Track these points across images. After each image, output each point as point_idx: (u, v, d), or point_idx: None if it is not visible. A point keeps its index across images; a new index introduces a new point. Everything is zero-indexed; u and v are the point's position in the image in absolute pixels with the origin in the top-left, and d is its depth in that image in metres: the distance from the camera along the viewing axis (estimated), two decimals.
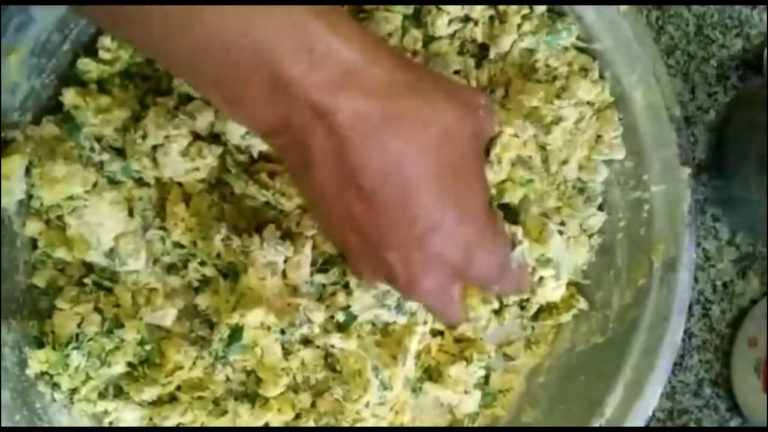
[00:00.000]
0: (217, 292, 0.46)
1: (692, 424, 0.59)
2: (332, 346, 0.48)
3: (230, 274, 0.45)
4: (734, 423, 0.60)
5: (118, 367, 0.45)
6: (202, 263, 0.46)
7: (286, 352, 0.47)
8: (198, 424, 0.47)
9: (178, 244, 0.46)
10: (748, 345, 0.58)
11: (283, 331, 0.45)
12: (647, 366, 0.50)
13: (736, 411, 0.60)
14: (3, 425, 0.41)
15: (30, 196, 0.44)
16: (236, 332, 0.44)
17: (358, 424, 0.47)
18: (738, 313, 0.60)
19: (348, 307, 0.46)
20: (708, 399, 0.60)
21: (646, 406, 0.49)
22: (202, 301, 0.47)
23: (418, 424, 0.51)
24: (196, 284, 0.47)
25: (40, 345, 0.44)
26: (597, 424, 0.50)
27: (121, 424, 0.45)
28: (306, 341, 0.47)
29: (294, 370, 0.47)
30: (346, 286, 0.46)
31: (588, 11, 0.49)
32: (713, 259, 0.60)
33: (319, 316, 0.45)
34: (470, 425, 0.53)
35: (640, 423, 0.49)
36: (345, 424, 0.47)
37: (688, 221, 0.50)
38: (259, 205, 0.46)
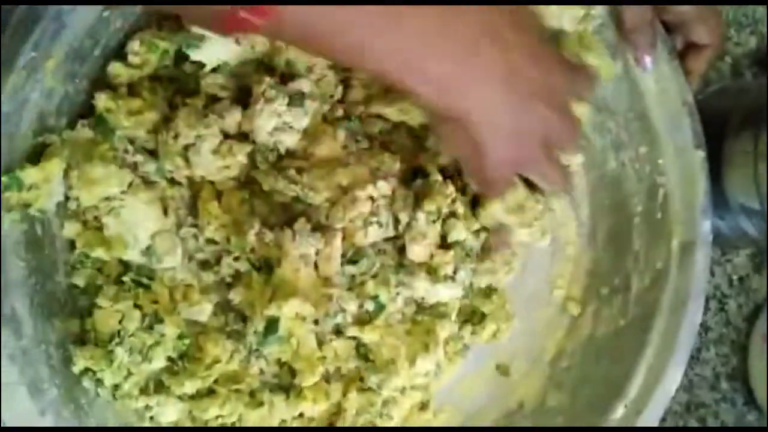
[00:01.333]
0: (250, 286, 0.47)
1: (709, 418, 0.60)
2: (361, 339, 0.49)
3: (264, 268, 0.46)
4: (751, 417, 0.61)
5: (159, 362, 0.46)
6: (236, 258, 0.47)
7: (320, 343, 0.48)
8: (235, 416, 0.48)
9: (211, 241, 0.47)
10: (764, 339, 0.59)
11: (316, 322, 0.47)
12: (668, 347, 0.50)
13: (753, 404, 0.61)
14: (51, 424, 0.43)
15: (67, 199, 0.45)
16: (272, 324, 0.45)
17: (391, 405, 0.48)
18: (754, 307, 0.61)
19: (377, 296, 0.48)
20: (725, 393, 0.60)
21: (668, 388, 0.50)
22: (236, 295, 0.48)
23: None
24: (228, 280, 0.48)
25: (83, 342, 0.45)
26: (621, 405, 0.51)
27: (162, 419, 0.47)
28: (338, 332, 0.48)
29: (328, 361, 0.48)
30: (375, 276, 0.48)
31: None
32: (729, 253, 0.60)
33: (352, 305, 0.47)
34: None
35: (663, 404, 0.50)
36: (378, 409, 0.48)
37: (704, 204, 0.51)
38: (289, 200, 0.48)
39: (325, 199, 0.47)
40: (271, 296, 0.45)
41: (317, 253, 0.46)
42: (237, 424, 0.48)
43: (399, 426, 0.51)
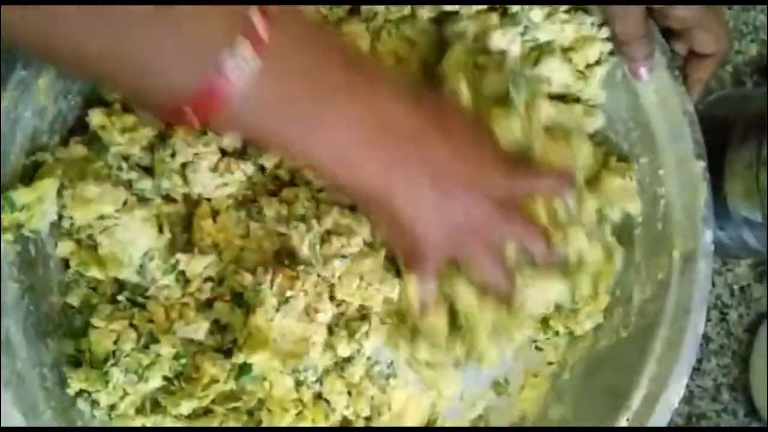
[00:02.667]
0: (234, 311, 0.46)
1: None
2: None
3: (243, 307, 0.46)
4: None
5: (155, 382, 0.45)
6: (220, 283, 0.47)
7: (299, 383, 0.47)
8: None
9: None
10: (766, 350, 0.59)
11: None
12: (671, 359, 0.50)
13: (755, 416, 0.60)
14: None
15: (60, 217, 0.45)
16: (246, 365, 0.44)
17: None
18: (756, 317, 0.60)
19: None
20: (726, 404, 0.60)
21: (672, 399, 0.50)
22: (220, 315, 0.47)
23: None
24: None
25: (78, 364, 0.44)
26: (624, 418, 0.50)
27: None
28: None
29: (305, 402, 0.48)
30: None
31: (598, 13, 0.49)
32: (730, 263, 0.60)
33: (325, 359, 0.46)
34: None
35: (666, 415, 0.49)
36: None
37: (705, 214, 0.51)
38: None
39: (324, 231, 0.46)
40: (244, 341, 0.44)
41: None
42: None
43: (398, 426, 0.50)
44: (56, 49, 0.31)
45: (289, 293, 0.44)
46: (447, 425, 0.53)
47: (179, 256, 0.45)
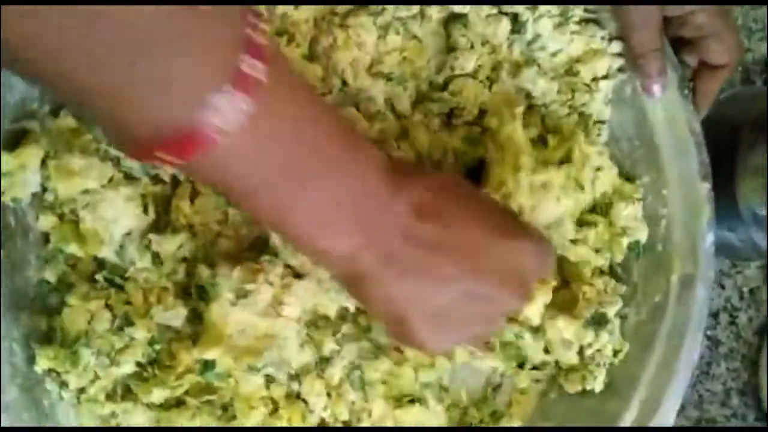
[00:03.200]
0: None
1: None
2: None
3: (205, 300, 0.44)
4: None
5: (127, 367, 0.43)
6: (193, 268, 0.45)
7: (270, 380, 0.46)
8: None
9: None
10: None
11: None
12: (664, 383, 0.49)
13: (765, 420, 0.59)
14: (8, 425, 0.40)
15: (44, 190, 0.43)
16: (209, 361, 0.43)
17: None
18: (766, 320, 0.59)
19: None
20: (736, 408, 0.59)
21: (663, 423, 0.48)
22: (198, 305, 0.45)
23: None
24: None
25: (49, 341, 0.43)
26: None
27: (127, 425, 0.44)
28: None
29: (276, 399, 0.46)
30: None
31: (610, 24, 0.49)
32: (740, 265, 0.59)
33: (302, 357, 0.45)
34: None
35: None
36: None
37: (707, 238, 0.49)
38: None
39: None
40: (201, 336, 0.42)
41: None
42: None
43: (398, 426, 0.49)
44: (30, 56, 0.26)
45: (249, 287, 0.42)
46: None
47: (151, 235, 0.44)
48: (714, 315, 0.50)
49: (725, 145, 0.51)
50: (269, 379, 0.45)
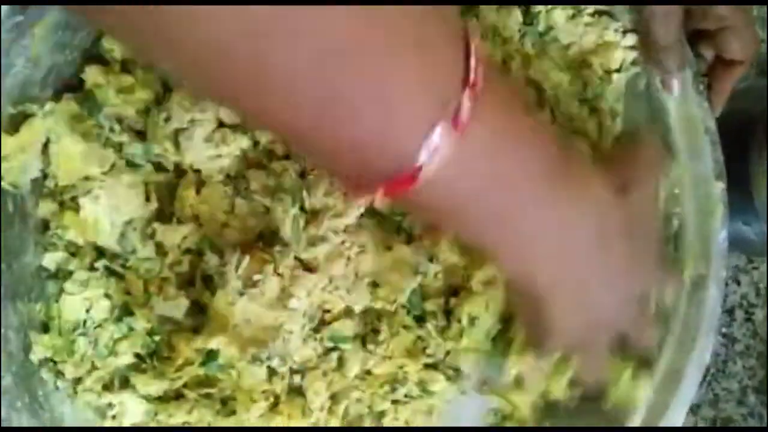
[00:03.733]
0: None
1: None
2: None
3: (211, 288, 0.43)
4: None
5: (126, 358, 0.43)
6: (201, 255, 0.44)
7: (272, 373, 0.45)
8: (204, 424, 0.45)
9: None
10: None
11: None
12: (673, 386, 0.48)
13: None
14: (2, 409, 0.40)
15: (44, 176, 0.43)
16: (212, 351, 0.42)
17: None
18: None
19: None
20: (752, 407, 0.58)
21: (671, 425, 0.47)
22: (199, 296, 0.45)
23: None
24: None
25: (46, 329, 0.42)
26: None
27: (125, 419, 0.43)
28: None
29: (278, 394, 0.45)
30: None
31: (624, 16, 0.48)
32: (756, 261, 0.58)
33: (305, 351, 0.44)
34: None
35: None
36: None
37: (720, 238, 0.48)
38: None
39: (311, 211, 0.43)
40: (205, 324, 0.42)
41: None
42: None
43: (400, 426, 0.48)
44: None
45: (257, 277, 0.41)
46: None
47: (156, 225, 0.43)
48: (729, 312, 0.49)
49: (739, 139, 0.50)
50: (271, 372, 0.44)
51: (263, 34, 0.24)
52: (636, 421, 0.48)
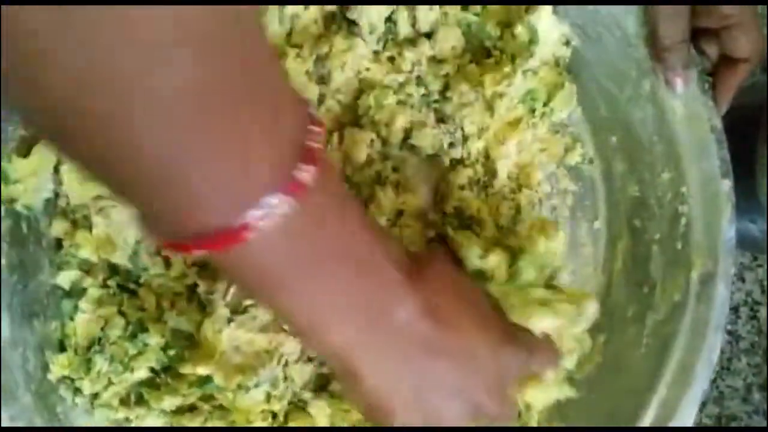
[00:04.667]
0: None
1: None
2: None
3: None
4: None
5: (141, 373, 0.43)
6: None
7: (269, 396, 0.44)
8: None
9: None
10: None
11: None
12: (683, 383, 0.48)
13: None
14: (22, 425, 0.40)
15: (56, 195, 0.43)
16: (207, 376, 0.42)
17: None
18: None
19: None
20: (757, 404, 0.58)
21: (682, 424, 0.47)
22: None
23: None
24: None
25: (62, 348, 0.43)
26: None
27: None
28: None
29: (277, 413, 0.45)
30: None
31: (630, 17, 0.48)
32: (761, 258, 0.58)
33: (300, 378, 0.44)
34: None
35: None
36: None
37: (727, 236, 0.48)
38: None
39: None
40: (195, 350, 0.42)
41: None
42: None
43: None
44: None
45: (247, 302, 0.41)
46: None
47: None
48: (734, 309, 0.49)
49: (744, 135, 0.50)
50: (268, 394, 0.44)
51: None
52: (648, 418, 0.49)
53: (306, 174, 0.28)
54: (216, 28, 0.24)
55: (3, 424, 0.40)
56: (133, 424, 0.44)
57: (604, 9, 0.48)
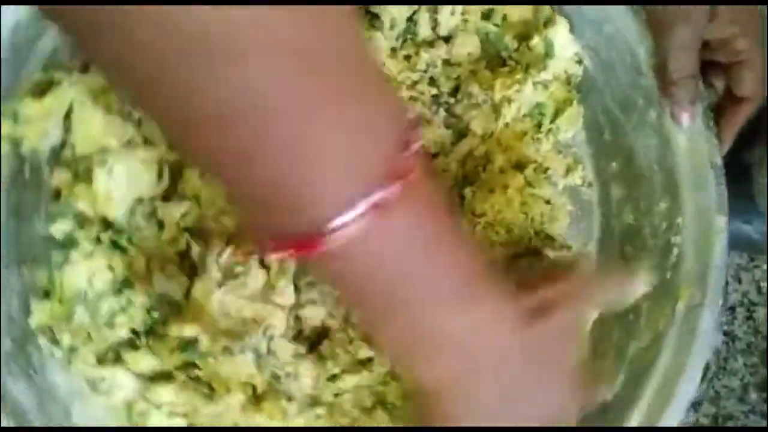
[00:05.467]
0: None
1: None
2: None
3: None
4: None
5: (122, 332, 0.43)
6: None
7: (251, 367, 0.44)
8: (190, 408, 0.45)
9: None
10: None
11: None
12: (659, 410, 0.48)
13: None
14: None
15: (62, 146, 0.43)
16: (191, 338, 0.42)
17: None
18: None
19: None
20: (754, 404, 0.58)
21: None
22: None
23: None
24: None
25: (47, 296, 0.42)
26: None
27: (114, 392, 0.43)
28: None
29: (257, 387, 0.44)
30: None
31: (642, 46, 0.49)
32: (757, 259, 0.58)
33: (284, 353, 0.43)
34: None
35: None
36: None
37: (717, 270, 0.49)
38: None
39: None
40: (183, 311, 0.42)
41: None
42: (189, 416, 0.45)
43: (414, 426, 0.48)
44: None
45: (238, 269, 0.41)
46: None
47: (157, 203, 0.43)
48: (731, 310, 0.49)
49: (742, 135, 0.50)
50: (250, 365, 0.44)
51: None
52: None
53: (392, 196, 0.28)
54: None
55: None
56: (107, 383, 0.43)
57: (618, 34, 0.49)
